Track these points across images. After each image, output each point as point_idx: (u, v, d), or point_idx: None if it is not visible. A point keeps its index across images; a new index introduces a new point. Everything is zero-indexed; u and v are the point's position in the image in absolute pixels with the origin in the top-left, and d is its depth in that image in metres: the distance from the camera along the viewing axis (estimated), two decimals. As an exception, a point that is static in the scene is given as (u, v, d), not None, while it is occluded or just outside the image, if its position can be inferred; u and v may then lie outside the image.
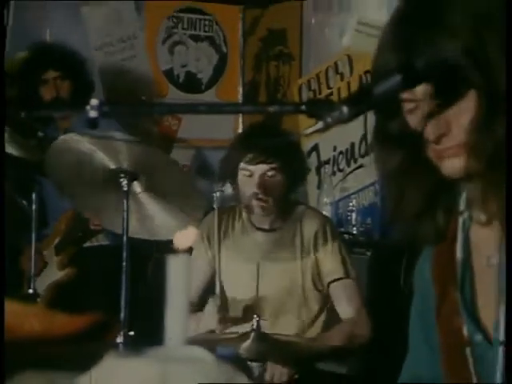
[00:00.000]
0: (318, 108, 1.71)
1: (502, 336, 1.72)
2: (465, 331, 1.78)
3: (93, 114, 1.98)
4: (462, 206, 1.81)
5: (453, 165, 1.69)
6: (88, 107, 1.97)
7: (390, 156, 1.76)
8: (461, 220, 1.81)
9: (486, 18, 1.67)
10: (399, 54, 1.67)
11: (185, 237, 1.29)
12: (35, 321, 1.51)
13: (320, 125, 1.68)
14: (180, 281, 1.27)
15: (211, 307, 3.86)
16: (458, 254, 1.80)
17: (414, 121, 1.70)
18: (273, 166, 3.77)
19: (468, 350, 1.78)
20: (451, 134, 1.67)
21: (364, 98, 1.72)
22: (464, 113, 1.66)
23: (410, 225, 1.79)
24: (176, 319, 1.26)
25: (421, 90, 1.65)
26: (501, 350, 1.73)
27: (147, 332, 2.33)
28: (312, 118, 1.73)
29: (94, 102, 1.99)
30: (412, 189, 1.76)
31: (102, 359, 1.31)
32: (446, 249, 1.82)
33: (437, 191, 1.77)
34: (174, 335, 1.26)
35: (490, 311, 1.75)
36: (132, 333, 3.24)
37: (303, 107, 1.76)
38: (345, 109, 1.67)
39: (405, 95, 1.66)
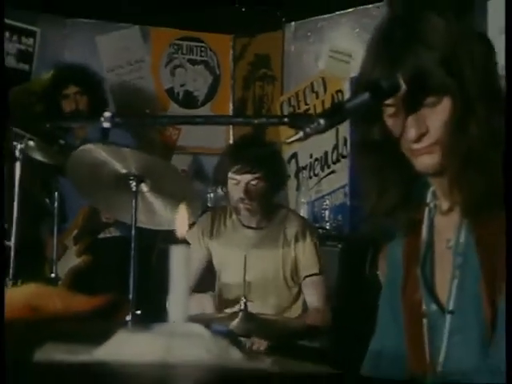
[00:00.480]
0: (299, 120, 1.71)
1: (451, 306, 1.73)
2: (423, 304, 1.79)
3: (106, 124, 1.97)
4: (429, 197, 1.81)
5: (426, 161, 1.69)
6: (102, 118, 1.96)
7: (371, 156, 1.76)
8: (427, 210, 1.81)
9: (459, 34, 1.67)
10: (384, 66, 1.67)
11: (180, 223, 1.28)
12: (58, 301, 1.49)
13: (301, 134, 1.68)
14: (181, 267, 1.26)
15: (208, 296, 3.88)
16: (423, 238, 1.81)
17: (393, 124, 1.70)
18: (256, 175, 3.75)
19: (425, 321, 1.79)
20: (429, 134, 1.67)
21: (337, 112, 1.71)
22: (440, 115, 1.66)
23: (386, 216, 1.79)
24: (178, 300, 1.24)
25: (402, 96, 1.65)
26: (449, 317, 1.73)
27: (153, 311, 2.32)
28: (293, 128, 1.72)
29: (107, 114, 1.97)
30: (389, 185, 1.76)
31: (114, 334, 1.30)
32: (413, 234, 1.82)
33: (410, 186, 1.77)
34: (177, 314, 1.24)
35: (445, 285, 1.75)
36: (139, 312, 3.23)
37: (286, 119, 1.75)
38: (321, 121, 1.67)
39: (387, 102, 1.67)
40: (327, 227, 5.68)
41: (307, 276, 3.87)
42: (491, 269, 1.66)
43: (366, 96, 1.68)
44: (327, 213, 5.78)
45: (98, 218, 4.91)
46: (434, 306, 1.76)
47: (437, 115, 1.66)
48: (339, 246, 5.17)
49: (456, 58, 1.64)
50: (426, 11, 1.69)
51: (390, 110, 1.69)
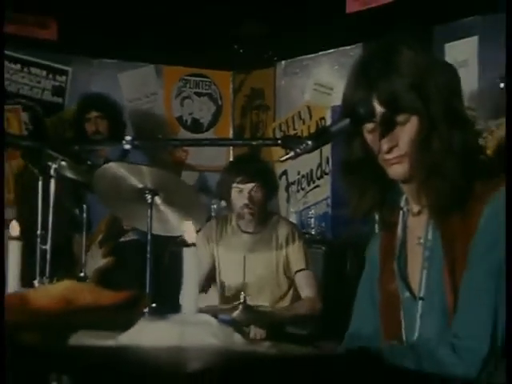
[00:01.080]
0: (290, 142, 1.71)
1: (422, 293, 1.73)
2: (399, 292, 1.79)
3: (127, 146, 1.96)
4: (402, 202, 1.82)
5: (397, 170, 1.70)
6: (124, 141, 1.95)
7: (353, 167, 1.77)
8: (401, 212, 1.82)
9: (426, 64, 1.69)
10: (363, 92, 1.68)
11: (189, 229, 1.28)
12: (88, 295, 1.49)
13: (292, 154, 1.68)
14: (192, 266, 1.25)
15: (214, 291, 3.87)
16: (398, 236, 1.81)
17: (371, 138, 1.71)
18: (256, 184, 3.79)
19: (401, 307, 1.79)
20: (399, 147, 1.68)
21: (322, 135, 1.72)
22: (408, 131, 1.67)
23: (365, 218, 1.80)
24: (189, 294, 1.24)
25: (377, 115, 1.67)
26: (420, 303, 1.73)
27: (166, 304, 2.31)
28: (285, 149, 1.73)
29: (128, 137, 1.97)
30: (368, 191, 1.76)
31: (135, 323, 1.30)
32: (389, 233, 1.83)
33: (386, 192, 1.78)
34: (188, 305, 1.24)
35: (417, 276, 1.75)
36: (154, 305, 3.21)
37: (280, 141, 1.75)
38: (309, 143, 1.68)
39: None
40: (312, 233, 5.67)
41: (298, 271, 3.87)
42: (453, 260, 1.67)
43: (346, 121, 1.69)
44: (312, 221, 5.77)
45: (119, 225, 4.90)
46: (407, 294, 1.77)
47: (406, 131, 1.68)
48: (323, 248, 5.16)
49: (423, 83, 1.65)
50: (399, 45, 1.70)
51: (369, 127, 1.70)
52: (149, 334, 1.21)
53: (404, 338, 1.77)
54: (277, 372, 1.12)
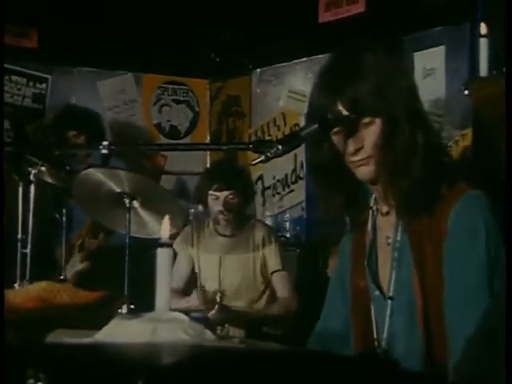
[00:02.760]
0: (261, 146, 1.72)
1: (391, 293, 1.74)
2: (369, 290, 1.80)
3: (104, 151, 1.96)
4: (372, 202, 1.83)
5: (364, 171, 1.71)
6: (101, 146, 1.96)
7: (323, 170, 1.78)
8: (371, 212, 1.83)
9: (388, 68, 1.70)
10: (328, 97, 1.69)
11: (165, 226, 1.29)
12: (64, 294, 1.50)
13: (262, 157, 1.70)
14: (165, 265, 1.26)
15: (195, 294, 3.88)
16: (368, 235, 1.82)
17: (337, 141, 1.73)
18: (232, 191, 3.79)
19: (372, 305, 1.80)
20: (364, 149, 1.69)
21: (292, 139, 1.73)
22: (373, 133, 1.68)
23: (336, 218, 1.81)
24: (163, 292, 1.25)
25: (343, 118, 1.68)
26: (389, 302, 1.75)
27: (144, 305, 2.30)
28: (257, 153, 1.74)
29: (105, 142, 1.97)
30: (338, 192, 1.78)
31: (110, 321, 1.30)
32: (360, 233, 1.84)
33: (356, 192, 1.79)
34: (161, 303, 1.25)
35: (386, 275, 1.76)
36: (133, 306, 3.20)
37: (251, 146, 1.77)
38: (280, 147, 1.69)
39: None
40: (288, 236, 5.68)
41: (274, 272, 3.88)
42: (422, 261, 1.67)
43: (315, 126, 1.71)
44: (288, 224, 5.79)
45: (99, 230, 4.88)
46: (377, 293, 1.78)
47: (370, 133, 1.69)
48: (297, 250, 5.18)
49: (385, 86, 1.67)
50: (361, 50, 1.72)
51: (336, 130, 1.72)
52: (123, 332, 1.22)
53: (374, 335, 1.78)
54: (247, 367, 1.13)
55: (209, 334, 1.23)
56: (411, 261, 1.69)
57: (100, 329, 1.29)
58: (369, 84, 1.66)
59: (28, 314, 1.42)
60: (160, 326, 1.21)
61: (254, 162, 1.71)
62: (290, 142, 1.73)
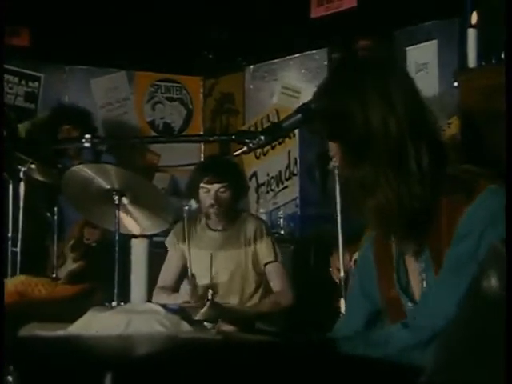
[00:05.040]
0: (244, 137, 1.71)
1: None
2: (401, 300, 1.75)
3: (87, 144, 1.94)
4: None
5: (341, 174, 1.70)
6: (84, 139, 1.94)
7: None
8: None
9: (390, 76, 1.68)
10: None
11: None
12: (42, 288, 1.48)
13: (245, 148, 1.68)
14: (141, 255, 1.25)
15: (186, 287, 3.83)
16: (393, 245, 1.76)
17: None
18: (224, 185, 3.76)
19: (403, 308, 1.74)
20: (335, 157, 1.68)
21: (275, 130, 1.72)
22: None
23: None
24: (138, 283, 1.23)
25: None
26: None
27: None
28: (240, 144, 1.72)
29: (88, 136, 1.95)
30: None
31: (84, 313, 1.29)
32: (384, 240, 1.78)
33: None
34: (137, 295, 1.23)
35: (417, 285, 1.71)
36: (122, 303, 3.17)
37: (234, 137, 1.75)
38: (262, 137, 1.67)
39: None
40: (282, 232, 5.67)
41: (266, 264, 3.85)
42: (440, 261, 1.63)
43: (298, 116, 1.69)
44: (282, 221, 5.77)
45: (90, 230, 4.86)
46: (410, 304, 1.72)
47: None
48: (292, 246, 5.17)
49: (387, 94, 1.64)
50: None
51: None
52: (97, 324, 1.20)
53: None
54: (222, 358, 1.12)
55: (185, 325, 1.21)
56: (432, 269, 1.65)
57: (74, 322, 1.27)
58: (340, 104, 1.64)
59: (6, 308, 1.39)
60: (135, 318, 1.19)
61: (237, 153, 1.69)
62: (273, 132, 1.72)
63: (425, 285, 1.68)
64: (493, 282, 0.92)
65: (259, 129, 6.13)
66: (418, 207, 1.61)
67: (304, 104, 1.72)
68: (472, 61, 2.50)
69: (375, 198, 1.61)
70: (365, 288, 1.84)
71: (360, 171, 1.61)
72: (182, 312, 3.19)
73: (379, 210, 1.62)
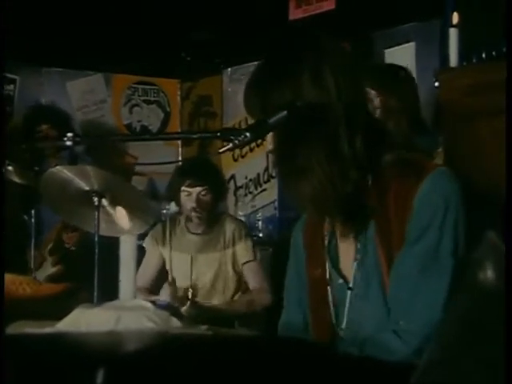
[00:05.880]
0: (229, 134, 1.69)
1: (355, 284, 1.70)
2: (327, 277, 1.76)
3: (69, 142, 1.92)
4: None
5: None
6: (65, 138, 1.91)
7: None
8: None
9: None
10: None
11: (121, 215, 1.26)
12: (26, 287, 1.46)
13: (230, 145, 1.66)
14: (129, 252, 1.23)
15: (166, 289, 3.82)
16: (326, 225, 1.78)
17: None
18: (205, 188, 3.76)
19: (329, 289, 1.75)
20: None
21: (261, 126, 1.70)
22: None
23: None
24: (127, 279, 1.22)
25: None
26: (351, 291, 1.71)
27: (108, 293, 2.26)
28: (225, 141, 1.70)
29: (70, 134, 1.93)
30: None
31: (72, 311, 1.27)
32: (316, 222, 1.80)
33: None
34: (125, 291, 1.22)
35: (349, 264, 1.73)
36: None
37: (219, 134, 1.74)
38: (247, 134, 1.66)
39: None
40: (260, 235, 5.66)
41: (244, 263, 3.85)
42: (388, 247, 1.64)
43: (284, 113, 1.68)
44: (260, 223, 5.77)
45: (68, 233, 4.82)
46: (340, 281, 1.74)
47: None
48: (270, 249, 5.16)
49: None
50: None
51: None
52: (85, 321, 1.18)
53: (334, 323, 1.75)
54: (214, 353, 1.10)
55: (175, 321, 1.19)
56: (377, 246, 1.65)
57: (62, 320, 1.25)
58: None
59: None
60: (124, 314, 1.17)
61: (222, 150, 1.68)
62: (259, 129, 1.70)
63: (356, 266, 1.68)
64: (489, 273, 0.92)
65: (237, 131, 6.12)
66: (352, 191, 1.63)
67: (289, 101, 1.70)
68: (454, 60, 2.52)
69: (309, 182, 1.62)
70: (299, 277, 1.84)
71: (294, 156, 1.62)
72: (172, 308, 3.20)
73: (314, 195, 1.63)
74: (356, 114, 1.64)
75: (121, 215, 1.25)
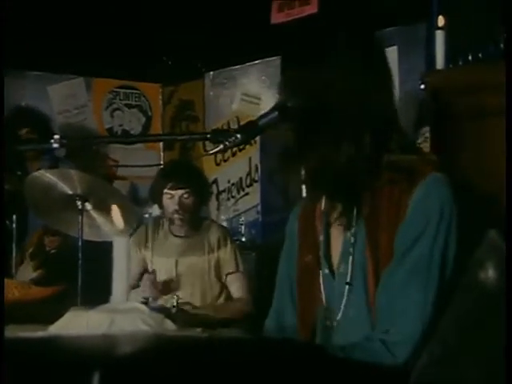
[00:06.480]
0: (220, 136, 1.68)
1: (348, 278, 1.69)
2: (318, 267, 1.75)
3: (55, 145, 1.89)
4: None
5: None
6: (52, 140, 1.88)
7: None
8: None
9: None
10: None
11: (115, 215, 1.24)
12: (15, 291, 1.44)
13: (221, 147, 1.65)
14: (122, 255, 1.21)
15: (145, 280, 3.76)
16: (321, 214, 1.77)
17: None
18: (187, 190, 3.75)
19: (321, 274, 1.74)
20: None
21: (252, 128, 1.69)
22: None
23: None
24: (120, 281, 1.20)
25: None
26: (339, 284, 1.70)
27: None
28: (215, 143, 1.69)
29: (57, 136, 1.90)
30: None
31: (64, 314, 1.25)
32: (311, 211, 1.79)
33: None
34: (119, 294, 1.20)
35: (337, 255, 1.71)
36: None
37: (209, 136, 1.72)
38: (238, 136, 1.65)
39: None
40: (243, 239, 5.64)
41: (228, 273, 3.84)
42: (376, 245, 1.63)
43: (275, 114, 1.67)
44: (243, 228, 5.75)
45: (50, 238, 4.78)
46: (326, 271, 1.73)
47: None
48: (253, 253, 5.15)
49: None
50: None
51: None
52: (78, 324, 1.16)
53: (323, 313, 1.73)
54: (210, 355, 1.09)
55: (169, 323, 1.17)
56: (365, 246, 1.64)
57: (53, 323, 1.23)
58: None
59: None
60: (118, 317, 1.15)
61: (212, 152, 1.66)
62: (250, 131, 1.69)
63: (348, 258, 1.67)
64: (490, 273, 0.91)
65: (219, 136, 6.10)
66: (351, 176, 1.63)
67: (280, 102, 1.70)
68: (440, 62, 2.52)
69: (312, 160, 1.64)
70: (292, 263, 1.83)
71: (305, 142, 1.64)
72: (166, 311, 3.17)
73: (314, 171, 1.64)
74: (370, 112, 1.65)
75: (116, 214, 1.23)
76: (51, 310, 1.40)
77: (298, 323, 1.79)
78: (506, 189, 1.52)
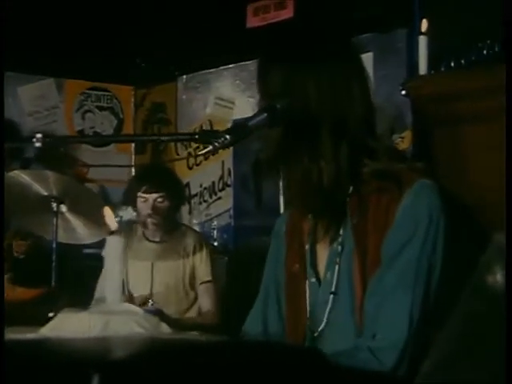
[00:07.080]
0: (209, 136, 1.65)
1: (333, 287, 1.67)
2: (305, 275, 1.73)
3: (38, 144, 1.85)
4: None
5: None
6: (34, 139, 1.84)
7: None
8: None
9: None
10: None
11: (108, 215, 1.22)
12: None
13: (210, 148, 1.63)
14: (116, 254, 1.19)
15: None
16: (308, 221, 1.75)
17: None
18: (161, 194, 3.70)
19: (307, 283, 1.73)
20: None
21: (241, 129, 1.67)
22: None
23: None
24: (114, 282, 1.17)
25: None
26: (324, 292, 1.68)
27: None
28: (204, 144, 1.66)
29: (39, 135, 1.86)
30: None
31: (51, 317, 1.22)
32: (300, 216, 1.77)
33: None
34: (112, 295, 1.17)
35: (323, 263, 1.70)
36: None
37: (197, 136, 1.69)
38: (228, 137, 1.62)
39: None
40: (215, 244, 5.62)
41: (202, 283, 3.80)
42: (364, 253, 1.62)
43: (263, 116, 1.65)
44: (215, 232, 5.73)
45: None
46: (313, 279, 1.71)
47: None
48: (225, 257, 5.13)
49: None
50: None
51: None
52: (71, 325, 1.13)
53: (308, 322, 1.72)
54: (206, 358, 1.07)
55: (164, 326, 1.15)
56: (353, 254, 1.63)
57: (39, 324, 1.20)
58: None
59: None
60: (112, 319, 1.12)
61: (201, 152, 1.64)
62: (239, 132, 1.67)
63: (335, 267, 1.65)
64: (498, 277, 0.90)
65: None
66: (334, 188, 1.62)
67: (269, 103, 1.68)
68: (423, 68, 2.53)
69: (296, 173, 1.62)
70: (278, 267, 1.81)
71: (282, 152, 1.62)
72: (161, 313, 3.13)
73: (299, 184, 1.63)
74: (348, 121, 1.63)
75: (108, 215, 1.21)
76: (37, 312, 1.37)
77: (287, 329, 1.77)
78: (506, 189, 1.52)
